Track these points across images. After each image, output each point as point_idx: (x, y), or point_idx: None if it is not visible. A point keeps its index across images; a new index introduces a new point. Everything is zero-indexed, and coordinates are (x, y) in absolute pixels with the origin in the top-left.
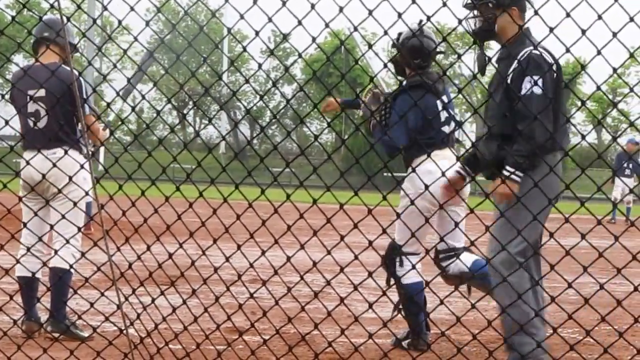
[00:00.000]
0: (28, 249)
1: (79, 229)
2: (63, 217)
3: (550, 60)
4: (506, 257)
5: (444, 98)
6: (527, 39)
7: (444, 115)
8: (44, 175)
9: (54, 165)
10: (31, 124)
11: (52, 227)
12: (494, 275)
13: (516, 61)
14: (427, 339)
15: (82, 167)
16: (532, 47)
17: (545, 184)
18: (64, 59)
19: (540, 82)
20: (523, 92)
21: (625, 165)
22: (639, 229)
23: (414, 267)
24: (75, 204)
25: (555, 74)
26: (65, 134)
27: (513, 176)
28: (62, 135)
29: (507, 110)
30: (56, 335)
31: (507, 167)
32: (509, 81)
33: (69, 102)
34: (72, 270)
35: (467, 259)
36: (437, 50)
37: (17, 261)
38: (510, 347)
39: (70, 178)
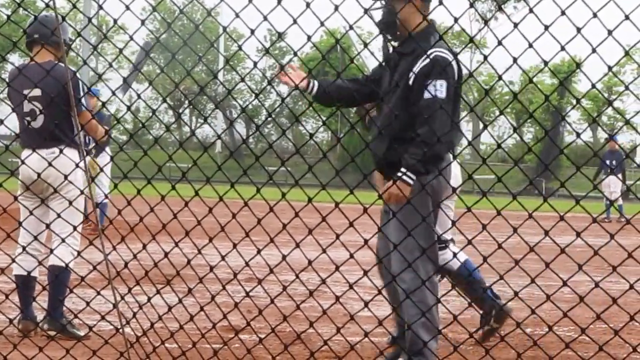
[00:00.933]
0: (24, 248)
1: (74, 228)
2: (59, 215)
3: (454, 63)
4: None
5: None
6: (431, 35)
7: None
8: (39, 175)
9: (49, 164)
10: (28, 123)
11: (47, 226)
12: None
13: (421, 60)
14: (503, 303)
15: (77, 165)
16: (439, 49)
17: (441, 187)
18: (59, 58)
19: (444, 87)
20: (427, 95)
21: (608, 163)
22: (636, 228)
23: (454, 255)
24: (70, 202)
25: (456, 77)
26: (63, 133)
27: (405, 177)
28: (59, 134)
29: (404, 109)
30: (52, 333)
31: (402, 169)
32: (410, 82)
33: (65, 100)
34: (69, 269)
35: (460, 257)
36: None
37: (13, 260)
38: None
39: (66, 177)
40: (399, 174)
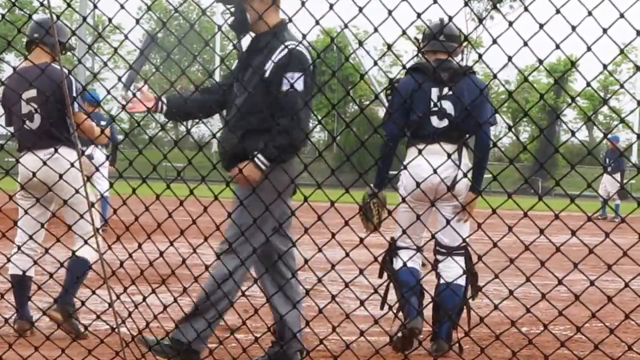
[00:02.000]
0: (19, 247)
1: (96, 229)
2: (81, 216)
3: (308, 57)
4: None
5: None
6: (284, 30)
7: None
8: (34, 174)
9: (45, 163)
10: (27, 124)
11: (42, 225)
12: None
13: (278, 52)
14: (418, 325)
15: (72, 165)
16: (292, 42)
17: (285, 180)
18: (55, 59)
19: (302, 79)
20: (284, 87)
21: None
22: (631, 227)
23: (404, 264)
24: (61, 201)
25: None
26: (60, 133)
27: (259, 162)
28: (57, 135)
29: (264, 103)
30: (58, 316)
31: (259, 155)
32: (267, 74)
33: (60, 101)
34: (90, 264)
35: (453, 274)
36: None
37: (8, 259)
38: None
39: (61, 177)
40: (256, 159)
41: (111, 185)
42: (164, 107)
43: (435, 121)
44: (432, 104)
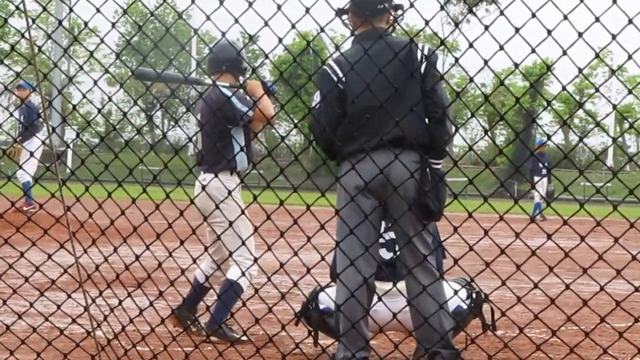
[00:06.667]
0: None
1: (253, 255)
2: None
3: (329, 72)
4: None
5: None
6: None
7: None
8: (192, 201)
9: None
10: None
11: (231, 253)
12: None
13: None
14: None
15: (200, 186)
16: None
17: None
18: (237, 82)
19: (317, 96)
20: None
21: (541, 165)
22: (539, 226)
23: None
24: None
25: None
26: (216, 157)
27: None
28: (211, 159)
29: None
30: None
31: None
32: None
33: (219, 123)
34: (243, 286)
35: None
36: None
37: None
38: None
39: (187, 194)
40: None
41: (87, 189)
42: None
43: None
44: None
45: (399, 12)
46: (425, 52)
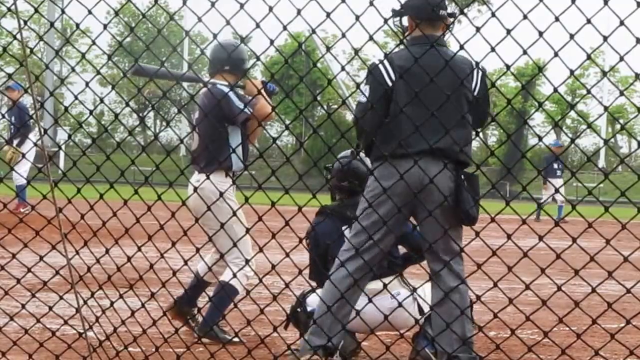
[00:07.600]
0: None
1: (246, 259)
2: (236, 242)
3: (380, 67)
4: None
5: None
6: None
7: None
8: (183, 202)
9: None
10: (191, 146)
11: (223, 255)
12: None
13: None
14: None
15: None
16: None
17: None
18: (236, 82)
19: (366, 90)
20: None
21: (555, 166)
22: (563, 228)
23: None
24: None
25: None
26: (211, 157)
27: None
28: (205, 159)
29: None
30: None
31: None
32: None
33: (217, 120)
34: (238, 288)
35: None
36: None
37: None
38: None
39: (180, 198)
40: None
41: (78, 190)
42: None
43: None
44: None
45: (451, 19)
46: (481, 74)
